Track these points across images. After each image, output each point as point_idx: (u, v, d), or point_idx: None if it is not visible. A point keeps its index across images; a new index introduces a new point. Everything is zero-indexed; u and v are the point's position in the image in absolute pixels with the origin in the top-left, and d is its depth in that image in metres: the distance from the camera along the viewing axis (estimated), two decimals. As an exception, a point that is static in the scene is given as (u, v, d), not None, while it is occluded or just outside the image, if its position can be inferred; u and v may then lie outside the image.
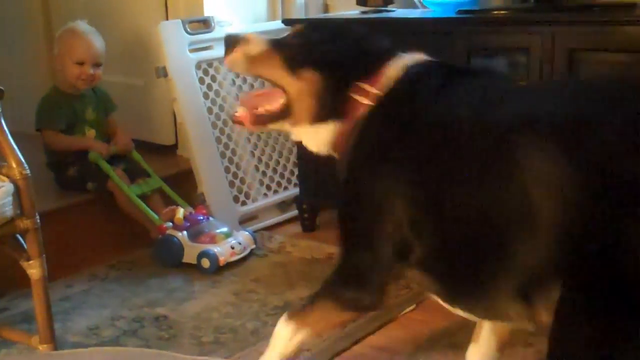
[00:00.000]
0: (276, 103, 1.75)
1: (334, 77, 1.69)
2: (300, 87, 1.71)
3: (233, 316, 2.44)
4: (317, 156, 3.06)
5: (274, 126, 1.81)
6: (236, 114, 1.82)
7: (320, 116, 1.71)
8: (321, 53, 1.71)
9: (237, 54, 1.78)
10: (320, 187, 3.15)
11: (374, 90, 1.67)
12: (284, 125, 1.79)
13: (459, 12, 2.89)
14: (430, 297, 2.43)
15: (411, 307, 2.44)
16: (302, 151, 3.18)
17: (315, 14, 3.66)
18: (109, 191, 2.97)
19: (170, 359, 2.17)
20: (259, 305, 2.50)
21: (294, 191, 3.34)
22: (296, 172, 3.34)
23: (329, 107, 1.70)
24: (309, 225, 3.21)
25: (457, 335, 2.23)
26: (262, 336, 2.29)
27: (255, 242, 2.96)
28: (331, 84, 1.69)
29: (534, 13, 2.77)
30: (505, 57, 2.84)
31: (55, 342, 2.20)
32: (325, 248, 2.96)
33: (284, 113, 1.75)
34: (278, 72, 1.74)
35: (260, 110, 1.77)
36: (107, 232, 2.98)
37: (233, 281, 2.71)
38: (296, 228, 3.24)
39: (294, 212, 3.31)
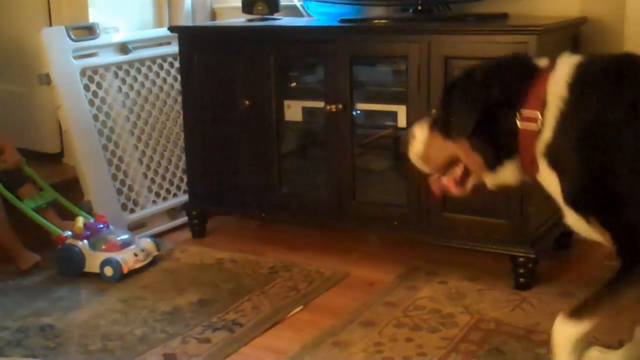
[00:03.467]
0: (459, 168, 1.87)
1: (483, 130, 1.75)
2: (462, 152, 1.81)
3: (121, 323, 2.43)
4: (205, 163, 3.13)
5: (470, 184, 1.89)
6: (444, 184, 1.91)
7: (494, 164, 1.78)
8: (463, 116, 1.77)
9: (412, 156, 1.91)
10: (209, 194, 3.17)
11: (537, 114, 1.70)
12: (478, 179, 1.87)
13: (342, 20, 2.98)
14: (317, 298, 2.52)
15: (298, 308, 2.50)
16: (190, 158, 3.20)
17: (202, 21, 3.68)
18: None
19: (56, 369, 2.16)
20: (148, 312, 2.50)
21: (183, 198, 3.35)
22: (185, 178, 3.34)
23: (495, 156, 1.77)
24: (198, 231, 3.22)
25: (341, 333, 2.30)
26: (150, 342, 2.29)
27: (159, 248, 2.95)
28: (484, 138, 1.76)
29: (413, 22, 2.89)
30: (386, 64, 2.96)
31: None
32: (214, 253, 2.98)
33: (467, 173, 1.86)
34: (443, 152, 1.85)
35: (454, 175, 1.89)
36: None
37: (120, 288, 2.69)
38: (186, 234, 3.24)
39: (183, 219, 3.31)
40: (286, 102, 3.00)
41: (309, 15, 3.33)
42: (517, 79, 1.76)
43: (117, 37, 3.33)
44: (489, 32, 2.58)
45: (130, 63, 3.32)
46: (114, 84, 3.25)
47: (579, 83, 1.69)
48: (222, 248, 3.05)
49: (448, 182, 1.89)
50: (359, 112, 2.89)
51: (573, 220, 1.74)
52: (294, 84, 3.11)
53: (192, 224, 3.23)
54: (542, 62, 1.80)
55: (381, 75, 2.96)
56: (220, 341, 2.30)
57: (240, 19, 3.35)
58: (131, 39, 3.35)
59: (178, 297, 2.60)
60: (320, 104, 2.89)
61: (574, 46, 2.89)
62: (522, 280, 2.56)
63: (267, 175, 3.02)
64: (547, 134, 1.70)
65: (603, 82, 1.69)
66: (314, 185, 3.04)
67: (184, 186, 3.40)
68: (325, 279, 2.72)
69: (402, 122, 2.76)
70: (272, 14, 3.27)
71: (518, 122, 1.72)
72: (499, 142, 1.75)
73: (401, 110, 2.76)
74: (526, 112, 1.71)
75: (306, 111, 3.01)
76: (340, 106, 2.81)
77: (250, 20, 3.27)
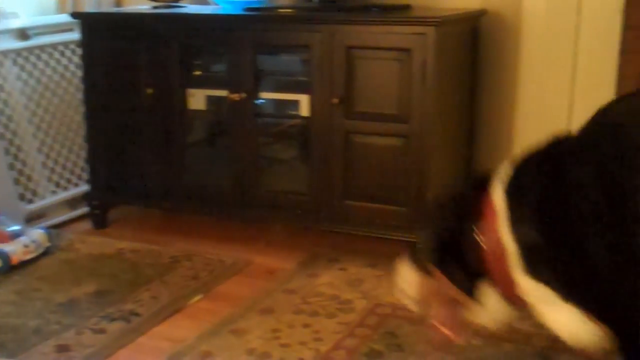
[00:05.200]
0: (448, 304, 1.74)
1: (452, 257, 1.67)
2: (443, 285, 1.70)
3: (14, 315, 2.36)
4: (107, 152, 3.07)
5: (466, 324, 1.75)
6: (444, 332, 1.77)
7: (470, 288, 1.66)
8: (433, 248, 1.70)
9: (399, 295, 1.81)
10: (111, 183, 3.12)
11: (493, 226, 1.58)
12: (471, 316, 1.73)
13: (246, 9, 2.97)
14: (218, 286, 2.51)
15: (198, 297, 2.48)
16: (92, 147, 3.14)
17: (107, 7, 3.61)
18: None
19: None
20: (43, 303, 2.44)
21: (84, 187, 3.28)
22: (87, 168, 3.27)
23: (469, 279, 1.66)
24: (99, 221, 3.16)
25: (239, 321, 2.30)
26: (44, 334, 2.24)
27: (51, 239, 2.88)
28: (454, 264, 1.67)
29: (316, 12, 2.90)
30: (290, 53, 2.96)
31: None
32: (115, 244, 2.94)
33: (456, 306, 1.72)
34: (429, 289, 1.74)
35: (448, 318, 1.76)
36: None
37: (16, 280, 2.62)
38: (87, 225, 3.18)
39: (85, 209, 3.24)
40: (190, 91, 2.97)
41: (215, 4, 3.30)
42: (473, 197, 1.66)
43: (16, 23, 3.23)
44: (389, 23, 2.62)
45: (30, 50, 3.22)
46: (12, 71, 3.15)
47: (513, 179, 1.59)
48: (124, 238, 3.00)
49: (445, 330, 1.76)
50: (263, 101, 2.89)
51: (575, 326, 1.56)
52: (199, 72, 3.08)
53: (93, 214, 3.17)
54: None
55: (285, 65, 2.96)
56: (116, 331, 2.26)
57: (145, 6, 3.30)
58: (31, 25, 3.26)
59: (75, 288, 2.55)
60: (224, 93, 2.87)
61: (474, 39, 2.96)
62: (419, 266, 2.60)
63: (170, 164, 2.99)
64: (508, 243, 1.55)
65: (537, 176, 1.56)
66: (219, 175, 3.02)
67: (86, 176, 3.33)
68: (226, 267, 2.71)
69: (305, 111, 2.77)
70: (178, 2, 3.23)
71: (478, 238, 1.62)
72: (468, 265, 1.64)
73: (304, 100, 2.77)
74: (482, 226, 1.61)
75: (210, 100, 2.98)
76: (243, 95, 2.81)
77: (155, 7, 3.23)
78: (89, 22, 3.10)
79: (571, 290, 1.51)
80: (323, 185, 2.74)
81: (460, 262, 1.65)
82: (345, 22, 2.67)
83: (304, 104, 2.78)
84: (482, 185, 1.67)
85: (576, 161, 1.49)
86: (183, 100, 2.96)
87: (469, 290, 1.67)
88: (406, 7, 2.93)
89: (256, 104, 2.84)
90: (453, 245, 1.66)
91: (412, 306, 1.82)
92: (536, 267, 1.54)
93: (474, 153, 3.06)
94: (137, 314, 2.36)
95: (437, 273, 1.69)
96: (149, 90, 2.95)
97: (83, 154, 3.33)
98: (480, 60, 2.99)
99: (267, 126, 3.00)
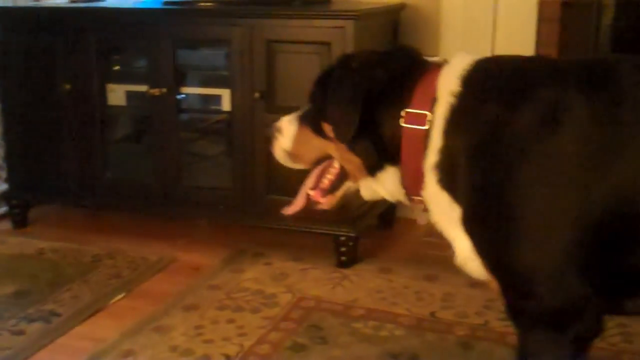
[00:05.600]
0: (334, 170, 1.62)
1: (364, 128, 1.47)
2: (337, 151, 1.56)
3: None
4: (26, 150, 2.99)
5: (343, 191, 1.65)
6: (311, 196, 1.68)
7: (375, 168, 1.53)
8: (342, 115, 1.50)
9: (277, 151, 1.67)
10: (30, 182, 3.05)
11: (425, 113, 1.43)
12: (353, 186, 1.63)
13: (166, 3, 2.93)
14: (141, 284, 2.48)
15: (120, 295, 2.45)
16: (9, 144, 3.06)
17: (24, 1, 3.51)
18: None
19: None
20: (-43, 307, 2.38)
21: (2, 186, 3.19)
22: (4, 166, 3.19)
23: (377, 158, 1.51)
24: (19, 221, 3.08)
25: (163, 319, 2.28)
26: (-40, 338, 2.18)
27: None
28: (364, 138, 1.49)
29: (237, 6, 2.88)
30: (210, 48, 2.94)
31: None
32: (35, 243, 2.87)
33: (343, 176, 1.61)
34: (315, 149, 1.61)
35: (325, 183, 1.65)
36: None
37: None
38: (6, 225, 3.10)
39: (3, 209, 3.16)
40: (109, 86, 2.92)
41: (134, -3, 3.26)
42: (403, 71, 1.49)
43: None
44: (309, 17, 2.63)
45: (-58, 45, 3.11)
46: None
47: (477, 76, 1.42)
48: (45, 238, 2.94)
49: (315, 194, 1.66)
50: (184, 96, 2.86)
51: (466, 255, 1.45)
52: (118, 67, 3.03)
53: (13, 214, 3.09)
54: (434, 58, 1.54)
55: (206, 59, 2.94)
56: (35, 332, 2.22)
57: (63, 0, 3.23)
58: (-58, 20, 3.14)
59: (-7, 289, 2.49)
60: (144, 88, 2.84)
61: (394, 32, 2.99)
62: (343, 258, 2.63)
63: (91, 161, 2.94)
64: (436, 139, 1.41)
65: (510, 77, 1.40)
66: (142, 171, 2.98)
67: (4, 174, 3.24)
68: (150, 265, 2.68)
69: (226, 106, 2.76)
70: (96, -5, 3.17)
71: (402, 122, 1.45)
72: (381, 145, 1.49)
73: (225, 94, 2.76)
74: (411, 110, 1.44)
75: (130, 95, 2.94)
76: (164, 90, 2.78)
77: (73, 1, 3.16)
78: (5, 17, 3.03)
79: (475, 221, 1.40)
80: (246, 180, 2.73)
81: (373, 135, 1.50)
82: (265, 16, 2.67)
83: (225, 99, 2.76)
84: (420, 62, 1.53)
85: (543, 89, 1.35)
86: (102, 96, 2.91)
87: (371, 169, 1.54)
88: (326, 1, 2.93)
89: (177, 99, 2.81)
90: (373, 114, 1.48)
91: (285, 160, 1.68)
92: (454, 181, 1.41)
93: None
94: (57, 314, 2.32)
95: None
96: (67, 86, 2.89)
97: (0, 151, 3.24)
98: (400, 54, 3.02)
99: (190, 122, 2.99)
